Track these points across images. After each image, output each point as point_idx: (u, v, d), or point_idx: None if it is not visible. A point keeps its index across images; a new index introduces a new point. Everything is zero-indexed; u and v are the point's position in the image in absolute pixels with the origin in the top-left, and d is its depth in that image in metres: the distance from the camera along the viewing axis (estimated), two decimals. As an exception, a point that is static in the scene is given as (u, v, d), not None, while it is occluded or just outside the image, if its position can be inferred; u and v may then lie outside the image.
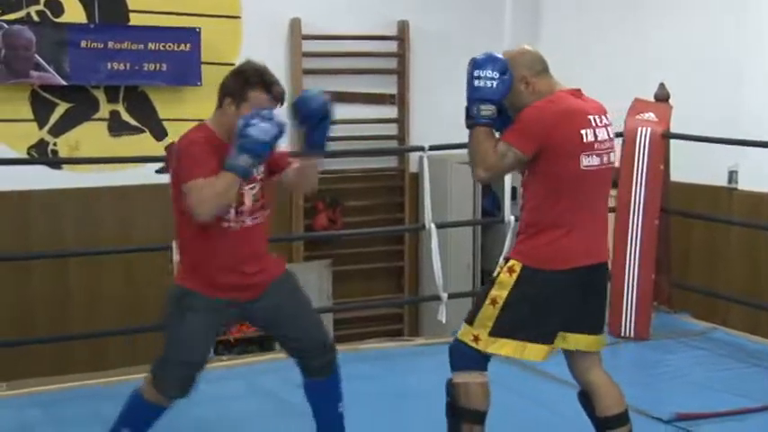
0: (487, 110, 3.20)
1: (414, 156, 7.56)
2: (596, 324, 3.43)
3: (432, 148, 5.65)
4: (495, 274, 3.37)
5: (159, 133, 6.98)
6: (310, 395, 3.57)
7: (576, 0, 7.62)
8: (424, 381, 4.82)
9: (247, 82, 3.24)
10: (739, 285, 6.05)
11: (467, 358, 3.32)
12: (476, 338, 3.27)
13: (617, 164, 5.56)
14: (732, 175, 6.28)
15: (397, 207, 7.79)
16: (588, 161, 3.20)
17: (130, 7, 6.78)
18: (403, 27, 7.65)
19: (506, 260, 3.32)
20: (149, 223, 6.55)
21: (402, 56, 7.68)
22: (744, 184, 6.19)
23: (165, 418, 3.56)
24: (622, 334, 5.48)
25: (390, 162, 7.85)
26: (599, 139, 3.23)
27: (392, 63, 7.71)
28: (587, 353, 3.44)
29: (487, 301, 3.26)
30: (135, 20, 6.79)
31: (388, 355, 5.36)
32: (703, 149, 5.82)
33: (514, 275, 3.24)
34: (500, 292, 3.25)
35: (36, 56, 6.41)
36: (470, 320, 3.30)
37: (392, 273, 7.87)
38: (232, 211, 3.27)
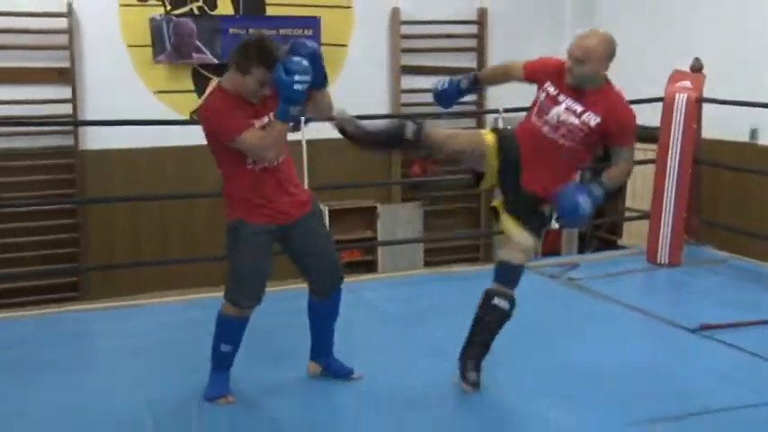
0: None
1: (490, 117, 7.46)
2: None
3: (506, 110, 5.58)
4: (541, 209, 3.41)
5: (289, 101, 7.06)
6: (314, 311, 3.42)
7: None
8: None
9: (250, 59, 3.01)
10: (757, 223, 5.86)
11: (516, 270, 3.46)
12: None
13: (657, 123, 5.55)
14: (753, 133, 6.08)
15: None
16: None
17: (267, 1, 6.85)
18: (481, 13, 7.53)
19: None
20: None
21: (481, 37, 7.56)
22: (763, 140, 6.00)
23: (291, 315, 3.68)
24: (658, 261, 5.40)
25: (470, 123, 7.74)
26: None
27: (473, 43, 7.59)
28: None
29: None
30: (270, 11, 6.85)
31: (467, 277, 5.30)
32: (730, 111, 5.64)
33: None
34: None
35: (196, 41, 6.55)
36: (536, 233, 3.45)
37: (470, 212, 7.82)
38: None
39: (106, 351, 4.02)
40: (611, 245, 7.16)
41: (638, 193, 6.94)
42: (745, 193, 6.10)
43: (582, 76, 3.24)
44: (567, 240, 7.63)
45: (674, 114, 5.37)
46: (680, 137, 5.33)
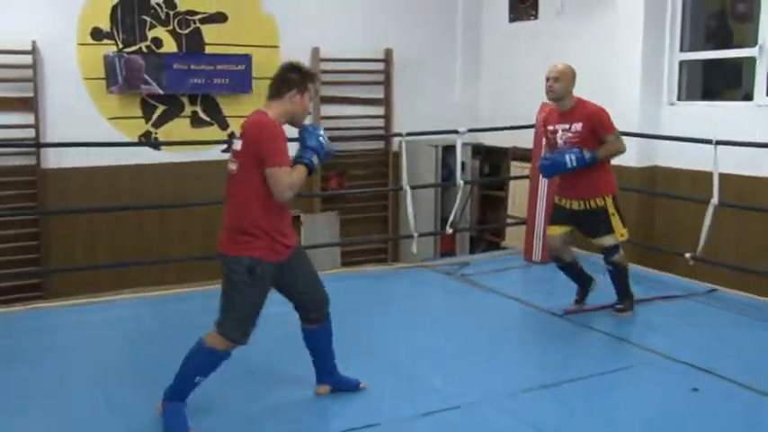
0: (587, 153, 4.17)
1: (395, 140, 7.45)
2: None
3: (407, 134, 5.68)
4: (597, 204, 4.12)
5: (224, 126, 6.98)
6: (308, 339, 3.16)
7: (505, 40, 7.58)
8: (400, 291, 5.03)
9: (306, 77, 2.94)
10: None
11: (618, 247, 4.18)
12: (622, 234, 4.15)
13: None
14: None
15: (384, 175, 7.74)
16: None
17: (206, 41, 6.80)
18: (388, 52, 7.59)
19: (602, 197, 4.08)
20: (218, 186, 6.59)
21: (387, 72, 7.62)
22: (612, 160, 6.13)
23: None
24: (533, 259, 5.64)
25: (379, 145, 7.81)
26: None
27: (381, 77, 7.65)
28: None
29: (612, 216, 4.09)
30: (209, 49, 6.80)
31: (378, 275, 5.48)
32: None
33: (610, 199, 4.09)
34: (612, 210, 4.10)
35: (145, 75, 6.46)
36: (611, 230, 4.13)
37: (380, 220, 7.82)
38: None
39: (68, 341, 3.98)
40: (496, 246, 7.28)
41: (517, 203, 7.15)
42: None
43: (559, 90, 3.97)
44: (461, 243, 7.80)
45: (543, 138, 5.63)
46: (548, 158, 5.60)
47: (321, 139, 2.94)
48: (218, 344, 2.88)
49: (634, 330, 4.14)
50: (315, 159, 2.91)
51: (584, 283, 4.47)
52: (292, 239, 2.98)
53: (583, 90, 6.39)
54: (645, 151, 5.99)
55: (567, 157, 3.98)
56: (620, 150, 4.14)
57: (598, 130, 4.05)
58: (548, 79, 4.07)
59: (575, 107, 4.09)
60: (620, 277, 4.28)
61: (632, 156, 5.94)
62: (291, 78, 2.94)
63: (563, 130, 4.04)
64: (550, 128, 4.14)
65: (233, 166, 2.91)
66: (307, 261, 3.11)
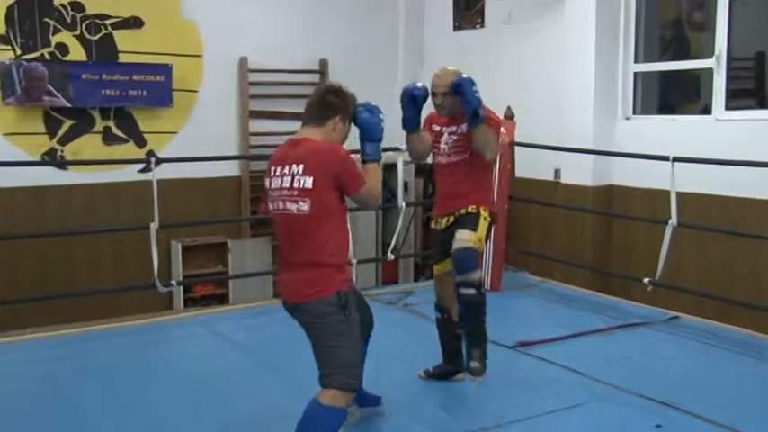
0: (483, 111, 3.55)
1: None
2: None
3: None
4: (468, 211, 3.61)
5: (141, 143, 6.83)
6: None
7: (449, 50, 7.61)
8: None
9: (352, 102, 2.94)
10: (561, 250, 6.16)
11: (476, 260, 3.54)
12: (480, 241, 3.55)
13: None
14: (557, 172, 6.37)
15: None
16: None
17: (119, 48, 6.62)
18: (323, 63, 7.60)
19: (476, 207, 3.61)
20: (134, 210, 6.44)
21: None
22: (564, 179, 6.29)
23: (142, 355, 3.52)
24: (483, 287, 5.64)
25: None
26: None
27: (316, 90, 7.68)
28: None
29: (482, 220, 3.59)
30: (123, 58, 6.63)
31: None
32: (537, 154, 5.97)
33: (488, 220, 3.63)
34: (486, 216, 3.62)
35: (48, 85, 6.24)
36: (474, 228, 3.56)
37: None
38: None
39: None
40: None
41: (464, 225, 7.17)
42: (550, 224, 6.39)
43: (452, 104, 3.64)
44: (405, 269, 7.77)
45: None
46: (497, 176, 5.62)
47: (382, 124, 2.95)
48: (340, 401, 2.72)
49: (590, 362, 4.11)
50: (377, 149, 2.94)
51: (452, 354, 3.84)
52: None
53: (533, 103, 6.60)
54: (599, 169, 6.06)
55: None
56: (491, 147, 3.58)
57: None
58: (437, 93, 3.71)
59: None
60: (476, 310, 3.56)
61: (587, 174, 6.05)
62: (334, 104, 2.88)
63: (449, 133, 3.71)
64: (436, 128, 3.78)
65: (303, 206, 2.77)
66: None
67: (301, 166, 2.76)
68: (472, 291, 3.47)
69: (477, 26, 7.34)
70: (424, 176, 7.90)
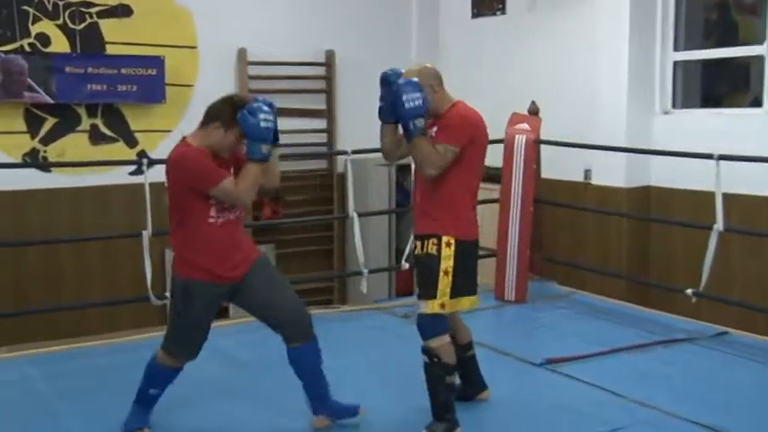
0: (421, 122, 3.26)
1: (340, 158, 7.50)
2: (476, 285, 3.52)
3: (354, 152, 5.64)
4: (428, 251, 3.31)
5: (131, 142, 6.83)
6: (291, 361, 3.39)
7: (467, 39, 7.63)
8: (348, 338, 4.89)
9: (235, 112, 3.17)
10: (593, 258, 6.13)
11: (438, 325, 3.34)
12: (443, 306, 3.31)
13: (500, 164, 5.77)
14: (587, 173, 6.35)
15: (327, 201, 7.71)
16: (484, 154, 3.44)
17: (106, 39, 6.61)
18: (329, 55, 7.60)
19: (437, 237, 3.29)
20: (123, 215, 6.45)
21: (329, 78, 7.63)
22: (596, 180, 6.26)
23: (134, 375, 3.54)
24: (505, 298, 5.57)
25: (321, 164, 7.78)
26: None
27: (321, 84, 7.64)
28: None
29: (441, 275, 3.28)
30: (110, 49, 6.62)
31: (321, 320, 5.37)
32: (565, 153, 5.91)
33: (452, 248, 3.30)
34: (448, 263, 3.29)
35: (28, 79, 6.23)
36: (432, 295, 3.29)
37: (323, 254, 7.78)
38: (213, 209, 3.19)
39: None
40: None
41: (485, 232, 7.13)
42: (580, 230, 6.36)
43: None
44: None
45: (515, 155, 5.60)
46: (521, 177, 5.56)
47: (263, 124, 3.14)
48: (166, 360, 3.38)
49: (628, 382, 4.04)
50: (262, 148, 3.17)
51: (467, 376, 3.78)
52: (242, 262, 3.32)
53: (559, 97, 6.57)
54: (635, 169, 6.02)
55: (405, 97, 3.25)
56: (427, 162, 3.30)
57: (443, 133, 3.38)
58: None
59: (449, 111, 3.50)
60: (433, 378, 3.39)
61: (620, 174, 6.01)
62: (216, 109, 3.23)
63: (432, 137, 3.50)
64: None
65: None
66: (269, 280, 3.37)
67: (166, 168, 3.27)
68: (426, 359, 3.39)
69: (498, 13, 7.31)
70: None
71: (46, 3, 6.40)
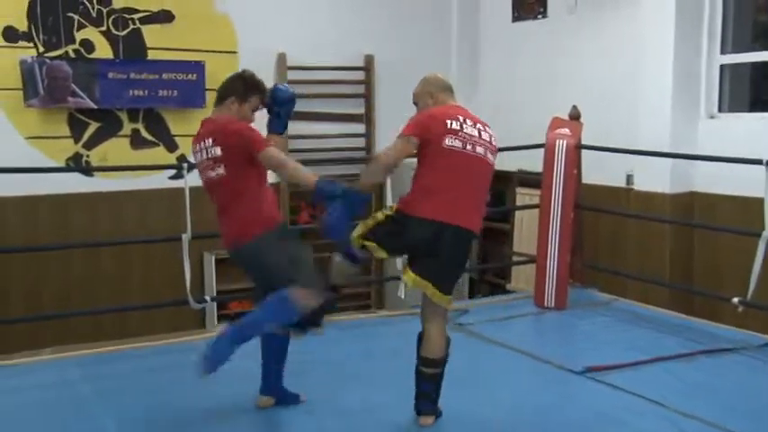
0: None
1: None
2: (438, 276, 3.50)
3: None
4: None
5: (171, 147, 6.90)
6: (268, 341, 3.62)
7: (507, 43, 7.60)
8: (386, 343, 4.90)
9: (248, 88, 3.51)
10: (635, 265, 6.06)
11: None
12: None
13: (539, 169, 5.72)
14: (629, 178, 6.28)
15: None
16: (451, 142, 3.45)
17: (148, 45, 6.69)
18: (368, 59, 7.61)
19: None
20: (163, 219, 6.50)
21: (368, 83, 7.63)
22: (638, 185, 6.19)
23: (172, 378, 3.57)
24: (545, 305, 5.53)
25: (359, 169, 7.80)
26: (464, 130, 3.48)
27: (360, 89, 7.65)
28: (432, 304, 3.54)
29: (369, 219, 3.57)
30: (152, 55, 6.70)
31: (359, 325, 5.38)
32: (607, 157, 5.84)
33: (389, 213, 3.55)
34: (376, 216, 3.57)
35: (72, 85, 6.34)
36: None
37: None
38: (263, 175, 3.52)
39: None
40: (500, 289, 7.23)
41: (524, 237, 7.10)
42: (622, 236, 6.28)
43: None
44: (458, 285, 7.67)
45: (556, 160, 5.56)
46: (561, 182, 5.52)
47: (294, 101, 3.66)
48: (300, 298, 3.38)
49: (672, 392, 3.96)
50: (283, 124, 3.65)
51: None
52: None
53: (601, 101, 6.50)
54: (679, 174, 5.92)
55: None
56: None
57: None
58: None
59: None
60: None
61: (664, 180, 5.93)
62: (230, 85, 3.56)
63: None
64: (455, 125, 3.62)
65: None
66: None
67: (210, 140, 3.47)
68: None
69: (539, 16, 7.28)
70: None
71: (90, 10, 6.50)
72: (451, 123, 3.48)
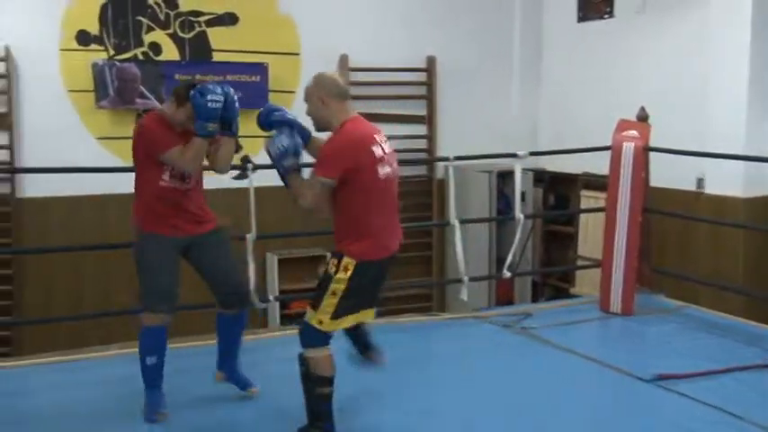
0: (289, 161, 3.32)
1: (439, 165, 7.53)
2: (377, 301, 3.52)
3: (456, 158, 5.58)
4: (327, 269, 3.28)
5: (235, 147, 6.97)
6: (220, 323, 3.80)
7: (572, 44, 7.55)
8: (447, 347, 4.89)
9: (186, 95, 3.53)
10: (706, 271, 5.94)
11: (316, 338, 3.30)
12: (320, 322, 3.27)
13: (601, 172, 5.61)
14: (700, 181, 6.18)
15: (426, 207, 7.71)
16: (383, 170, 3.30)
17: (213, 47, 6.81)
18: (430, 60, 7.61)
19: (338, 258, 3.26)
20: (232, 216, 6.55)
21: (430, 85, 7.63)
22: (709, 189, 6.09)
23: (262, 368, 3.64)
24: (611, 310, 5.42)
25: (420, 171, 7.80)
26: (384, 150, 3.32)
27: (422, 90, 7.65)
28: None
29: (329, 293, 3.24)
30: (217, 57, 6.82)
31: (420, 327, 5.33)
32: (675, 160, 5.71)
33: (350, 272, 3.24)
34: (339, 285, 3.24)
35: (141, 87, 6.49)
36: (315, 306, 3.28)
37: (421, 260, 7.77)
38: (166, 173, 3.61)
39: (43, 409, 3.86)
40: (564, 293, 7.18)
41: (589, 240, 7.00)
42: (692, 241, 6.17)
43: (308, 113, 3.40)
44: (521, 289, 7.65)
45: (622, 163, 5.44)
46: (629, 186, 5.40)
47: (210, 104, 3.44)
48: (148, 320, 3.64)
49: (748, 403, 3.83)
50: (208, 126, 3.49)
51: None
52: (190, 222, 3.73)
53: (671, 102, 6.36)
54: (753, 177, 5.82)
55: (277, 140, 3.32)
56: (300, 197, 3.36)
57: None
58: None
59: (335, 133, 3.37)
60: (305, 386, 3.37)
61: (737, 184, 5.78)
62: (175, 90, 3.66)
63: None
64: (378, 151, 3.40)
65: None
66: (218, 250, 3.78)
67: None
68: (300, 368, 3.36)
69: (606, 16, 7.21)
70: (543, 186, 7.84)
71: (158, 13, 6.64)
72: (375, 149, 3.26)
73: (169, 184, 3.64)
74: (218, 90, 3.48)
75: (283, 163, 3.31)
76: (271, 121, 3.42)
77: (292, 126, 3.36)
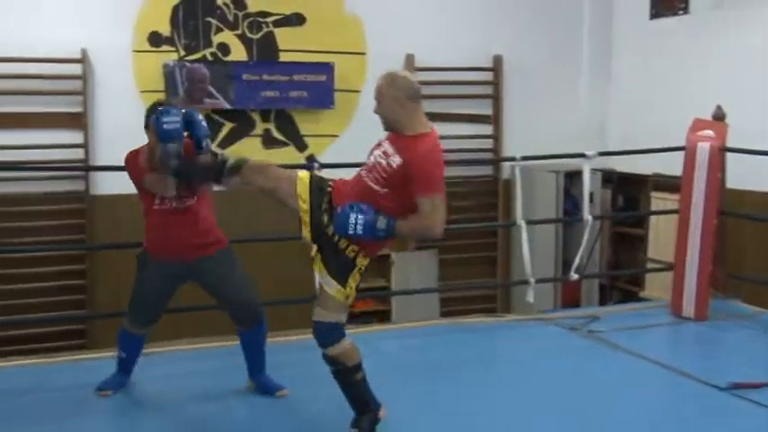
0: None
1: (505, 165, 7.46)
2: None
3: (523, 158, 5.52)
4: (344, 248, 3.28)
5: (301, 146, 7.04)
6: (242, 338, 3.89)
7: (644, 41, 7.41)
8: (512, 349, 4.84)
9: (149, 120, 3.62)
10: None
11: (335, 332, 3.28)
12: (347, 297, 3.29)
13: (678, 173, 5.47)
14: None
15: (491, 207, 7.66)
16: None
17: (280, 47, 6.87)
18: (497, 60, 7.55)
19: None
20: (294, 218, 6.58)
21: (497, 84, 7.57)
22: None
23: (297, 374, 3.67)
24: (683, 315, 5.29)
25: (486, 170, 7.75)
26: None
27: (488, 90, 7.59)
28: None
29: (354, 272, 3.31)
30: (284, 57, 6.87)
31: (485, 329, 5.26)
32: (753, 161, 5.53)
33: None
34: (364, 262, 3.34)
35: (209, 87, 6.58)
36: (342, 283, 3.29)
37: (485, 261, 7.73)
38: (158, 198, 3.70)
39: (119, 402, 3.90)
40: (633, 296, 7.07)
41: (660, 243, 6.86)
42: (770, 244, 5.98)
43: (379, 114, 3.26)
44: (587, 291, 7.53)
45: (697, 164, 5.29)
46: (703, 187, 5.24)
47: (165, 125, 3.43)
48: (127, 326, 3.93)
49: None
50: (168, 147, 3.47)
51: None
52: (189, 245, 3.77)
53: (748, 101, 6.15)
54: None
55: (353, 217, 3.16)
56: (428, 229, 3.19)
57: (415, 183, 3.16)
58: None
59: (414, 138, 3.22)
60: (343, 382, 3.37)
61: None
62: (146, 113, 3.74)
63: (384, 152, 3.24)
64: (383, 138, 3.35)
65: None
66: (221, 273, 3.84)
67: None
68: (331, 368, 3.34)
69: (680, 12, 7.06)
70: (612, 187, 7.72)
71: (227, 14, 6.73)
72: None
73: (161, 206, 3.74)
74: (174, 111, 3.52)
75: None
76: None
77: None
